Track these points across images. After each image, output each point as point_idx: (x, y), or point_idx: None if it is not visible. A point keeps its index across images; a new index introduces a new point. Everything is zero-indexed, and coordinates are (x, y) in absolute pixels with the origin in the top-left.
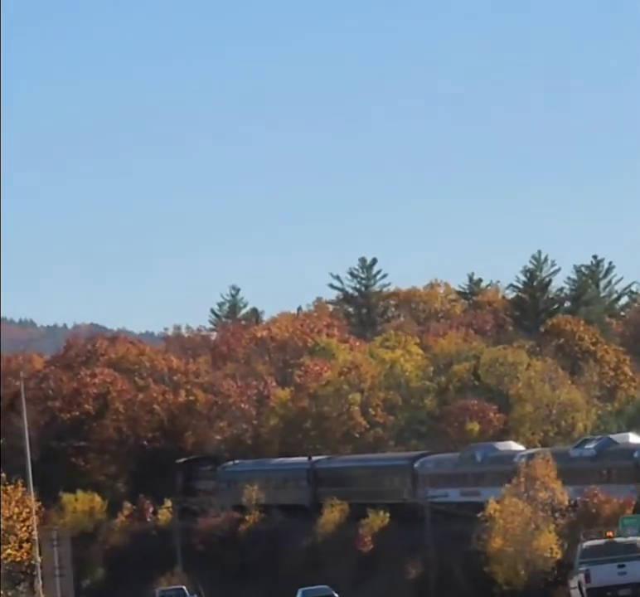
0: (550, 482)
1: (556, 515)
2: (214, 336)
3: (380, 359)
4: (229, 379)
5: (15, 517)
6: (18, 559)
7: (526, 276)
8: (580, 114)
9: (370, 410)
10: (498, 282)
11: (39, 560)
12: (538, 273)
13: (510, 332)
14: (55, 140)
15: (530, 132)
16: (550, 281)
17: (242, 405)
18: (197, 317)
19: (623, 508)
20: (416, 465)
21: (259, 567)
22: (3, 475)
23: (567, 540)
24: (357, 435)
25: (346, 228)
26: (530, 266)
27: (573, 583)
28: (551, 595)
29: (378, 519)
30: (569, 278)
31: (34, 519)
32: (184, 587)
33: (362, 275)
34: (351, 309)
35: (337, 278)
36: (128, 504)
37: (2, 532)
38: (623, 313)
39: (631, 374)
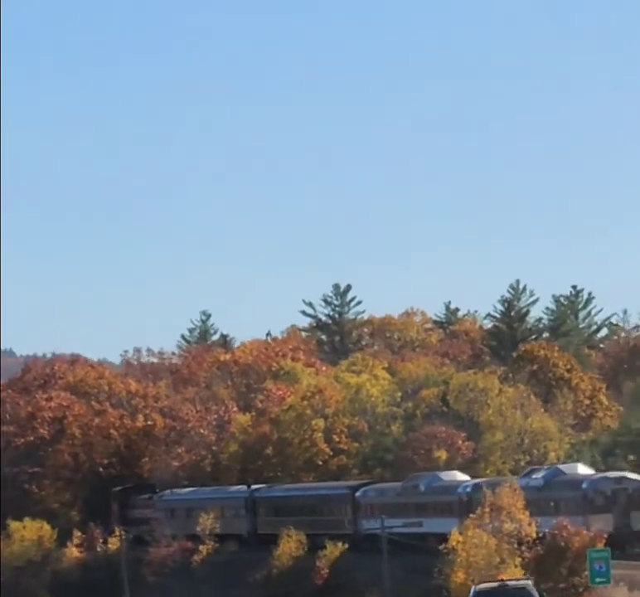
0: (516, 512)
1: (523, 548)
2: (175, 360)
3: (346, 383)
4: (188, 403)
5: None
6: None
7: (503, 306)
8: (558, 140)
9: (334, 436)
10: (476, 311)
11: None
12: (516, 302)
13: (486, 362)
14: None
15: (505, 157)
16: (528, 311)
17: (201, 431)
18: (163, 342)
19: (593, 541)
20: (358, 494)
21: None
22: None
23: (534, 574)
24: (320, 463)
25: (321, 254)
26: (508, 296)
27: None
28: None
29: (336, 550)
30: (547, 308)
31: None
32: None
33: (336, 302)
34: (323, 337)
35: (310, 305)
36: (78, 533)
37: None
38: (602, 345)
39: (607, 403)
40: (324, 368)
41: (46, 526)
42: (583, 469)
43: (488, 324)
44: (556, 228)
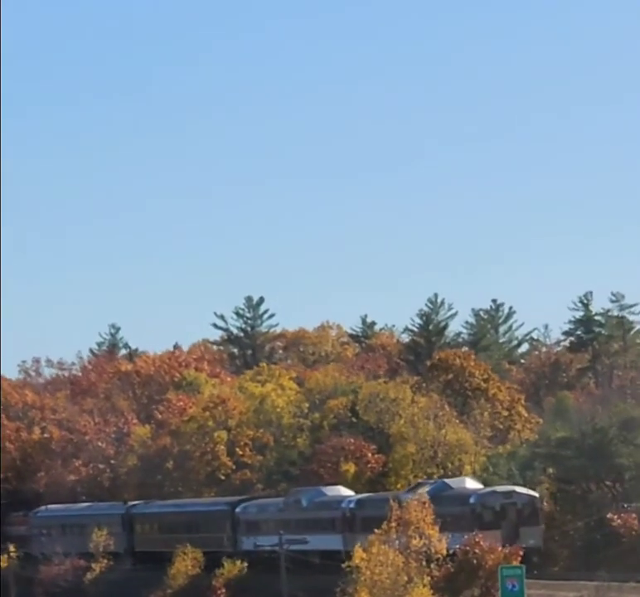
0: (425, 527)
1: (432, 565)
2: (75, 371)
3: (250, 394)
4: (87, 415)
5: None
6: None
7: (421, 319)
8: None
9: (238, 449)
10: (393, 325)
11: None
12: (434, 316)
13: (403, 376)
14: None
15: (422, 166)
16: (447, 325)
17: (99, 444)
18: (65, 354)
19: (509, 559)
20: (237, 510)
21: None
22: None
23: (444, 594)
24: (223, 477)
25: (234, 266)
26: (426, 309)
27: None
28: None
29: (235, 568)
30: (467, 322)
31: None
32: None
33: (248, 315)
34: (235, 351)
35: (222, 317)
36: None
37: None
38: (522, 360)
39: (526, 415)
40: (229, 379)
41: None
42: (471, 483)
43: (406, 338)
44: (475, 240)
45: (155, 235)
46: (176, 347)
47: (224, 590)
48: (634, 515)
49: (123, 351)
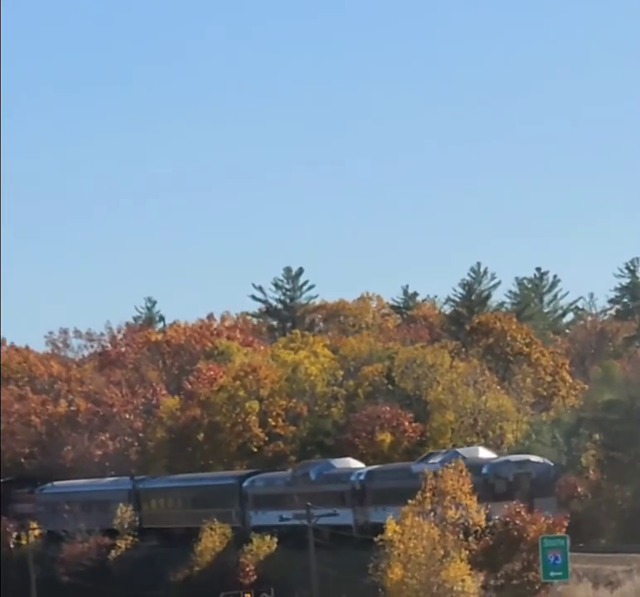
0: (462, 497)
1: (470, 538)
2: (105, 342)
3: (282, 362)
4: (113, 387)
5: None
6: None
7: (464, 289)
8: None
9: (270, 420)
10: (436, 296)
11: None
12: (477, 286)
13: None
14: None
15: (474, 134)
16: (490, 295)
17: (127, 416)
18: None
19: (551, 530)
20: (245, 484)
21: None
22: None
23: (482, 569)
24: (255, 449)
25: (272, 236)
26: (469, 279)
27: None
28: None
29: (264, 545)
30: (510, 291)
31: None
32: None
33: (287, 286)
34: (274, 323)
35: (260, 289)
36: None
37: None
38: (567, 330)
39: (570, 380)
40: (262, 348)
41: None
42: (484, 453)
43: (448, 309)
44: (519, 207)
45: (194, 206)
46: (209, 316)
47: (252, 568)
48: None
49: (160, 326)
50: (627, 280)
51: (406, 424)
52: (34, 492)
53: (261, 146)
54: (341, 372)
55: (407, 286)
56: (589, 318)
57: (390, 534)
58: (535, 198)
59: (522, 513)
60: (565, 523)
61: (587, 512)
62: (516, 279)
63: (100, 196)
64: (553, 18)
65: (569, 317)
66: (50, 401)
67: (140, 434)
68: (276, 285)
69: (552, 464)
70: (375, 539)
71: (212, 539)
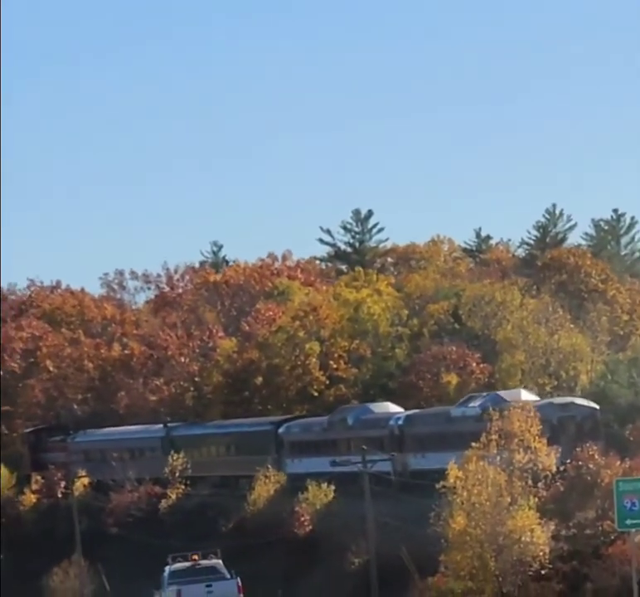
0: (531, 440)
1: (539, 484)
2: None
3: (344, 300)
4: (169, 329)
5: None
6: None
7: (538, 232)
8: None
9: (331, 362)
10: (509, 240)
11: None
12: (552, 228)
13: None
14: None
15: (537, 79)
16: (566, 237)
17: (182, 360)
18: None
19: (627, 475)
20: (281, 431)
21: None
22: None
23: (553, 517)
24: (316, 393)
25: (341, 178)
26: (543, 221)
27: None
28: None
29: (320, 493)
30: (586, 233)
31: None
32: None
33: (356, 229)
34: (343, 267)
35: (328, 232)
36: (37, 477)
37: None
38: None
39: None
40: (325, 288)
41: (4, 471)
42: (526, 395)
43: (522, 253)
44: (594, 148)
45: (260, 149)
46: (269, 255)
47: (308, 517)
48: None
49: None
50: None
51: (474, 365)
52: (66, 441)
53: (331, 93)
54: (406, 311)
55: (480, 229)
56: None
57: (452, 480)
58: (612, 137)
59: (596, 456)
60: None
61: None
62: (593, 220)
63: (169, 141)
64: None
65: None
66: (104, 345)
67: (196, 379)
68: (345, 228)
69: (597, 407)
70: (437, 486)
71: (266, 488)
